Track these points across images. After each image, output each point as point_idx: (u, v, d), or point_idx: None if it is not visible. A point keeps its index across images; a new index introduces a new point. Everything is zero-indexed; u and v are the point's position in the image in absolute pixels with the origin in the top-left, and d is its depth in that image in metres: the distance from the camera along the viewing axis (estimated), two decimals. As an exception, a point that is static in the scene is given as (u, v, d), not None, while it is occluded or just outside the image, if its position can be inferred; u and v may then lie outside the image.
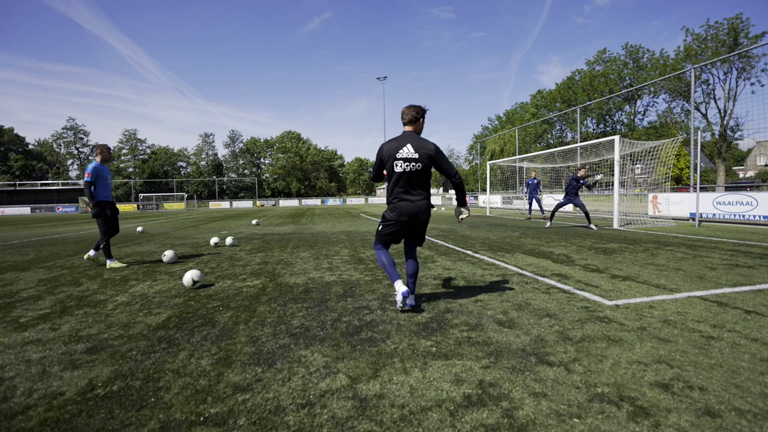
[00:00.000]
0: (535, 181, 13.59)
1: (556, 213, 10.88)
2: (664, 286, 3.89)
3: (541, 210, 14.34)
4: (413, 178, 3.11)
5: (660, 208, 12.61)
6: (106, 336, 2.82)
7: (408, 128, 3.21)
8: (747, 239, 7.27)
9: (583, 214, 10.09)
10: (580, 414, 1.71)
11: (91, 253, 5.86)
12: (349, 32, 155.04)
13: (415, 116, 3.17)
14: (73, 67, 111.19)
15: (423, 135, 3.30)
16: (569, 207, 13.69)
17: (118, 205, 6.06)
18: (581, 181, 9.94)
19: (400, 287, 3.12)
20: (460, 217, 3.35)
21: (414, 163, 3.07)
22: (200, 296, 3.93)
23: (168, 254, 6.16)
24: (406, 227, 3.24)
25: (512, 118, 62.36)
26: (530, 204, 14.11)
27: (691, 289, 3.76)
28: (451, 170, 3.15)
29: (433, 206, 3.26)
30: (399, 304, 3.19)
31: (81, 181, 58.60)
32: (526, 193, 13.71)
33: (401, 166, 3.08)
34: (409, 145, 3.09)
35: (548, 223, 10.82)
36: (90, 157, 73.07)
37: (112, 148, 6.03)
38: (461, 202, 3.34)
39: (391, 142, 3.17)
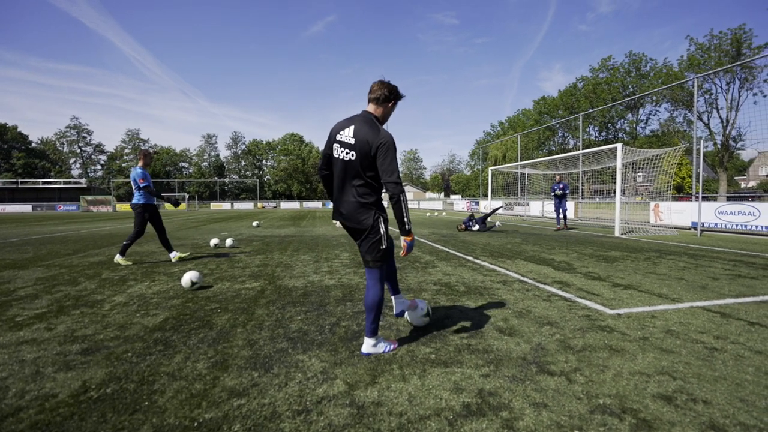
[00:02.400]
0: (561, 185, 11.60)
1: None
2: (667, 295, 3.86)
3: (559, 220, 12.04)
4: (346, 170, 2.39)
5: (661, 216, 12.56)
6: (102, 337, 2.80)
7: (370, 107, 2.46)
8: (749, 249, 7.22)
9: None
10: (581, 426, 1.67)
11: (118, 257, 6.03)
12: (353, 36, 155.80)
13: (386, 95, 2.42)
14: (78, 66, 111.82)
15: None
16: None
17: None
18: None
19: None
20: (401, 253, 2.44)
21: (349, 151, 2.35)
22: (198, 298, 3.90)
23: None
24: (351, 234, 2.57)
25: (514, 125, 62.45)
26: (557, 212, 11.95)
27: (694, 299, 3.72)
28: (387, 176, 2.27)
29: (369, 216, 2.39)
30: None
31: (83, 180, 58.78)
32: (556, 202, 11.87)
33: (337, 152, 2.42)
34: (352, 127, 2.36)
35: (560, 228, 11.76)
36: (92, 157, 73.33)
37: (153, 155, 6.31)
38: (400, 227, 2.35)
39: (341, 121, 2.49)
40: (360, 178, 2.36)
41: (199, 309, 3.50)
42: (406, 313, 2.95)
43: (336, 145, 2.41)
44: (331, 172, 2.55)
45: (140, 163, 6.02)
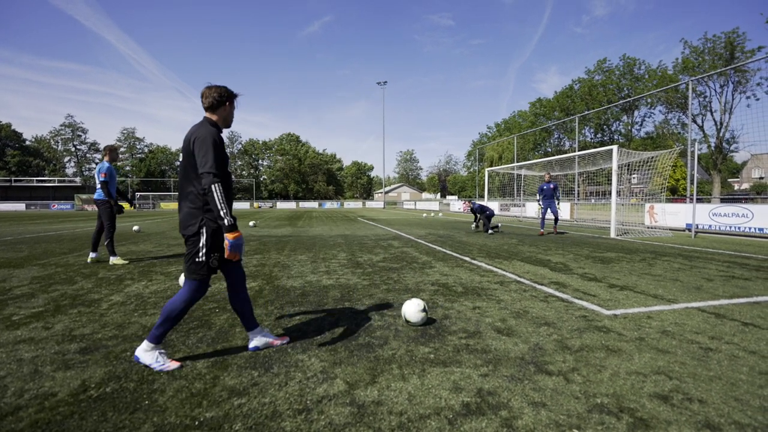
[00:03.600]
0: (552, 186, 10.42)
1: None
2: (662, 296, 3.90)
3: (543, 223, 10.89)
4: (180, 177, 2.32)
5: (656, 218, 12.67)
6: (100, 336, 2.79)
7: (207, 114, 2.40)
8: (743, 251, 7.30)
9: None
10: (579, 425, 1.70)
11: (113, 258, 5.94)
12: (349, 36, 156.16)
13: (217, 100, 2.37)
14: (73, 64, 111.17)
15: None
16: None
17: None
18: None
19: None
20: (225, 254, 2.21)
21: (182, 157, 2.31)
22: (196, 297, 3.89)
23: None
24: None
25: (510, 126, 62.70)
26: (544, 215, 10.74)
27: (689, 300, 3.76)
28: (200, 168, 2.14)
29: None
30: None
31: (78, 179, 58.36)
32: (539, 201, 10.65)
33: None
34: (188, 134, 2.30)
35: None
36: (87, 156, 72.79)
37: (118, 149, 6.30)
38: (219, 222, 2.15)
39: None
40: (189, 182, 2.25)
41: (197, 309, 3.49)
42: (404, 311, 2.98)
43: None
44: None
45: (106, 158, 5.89)
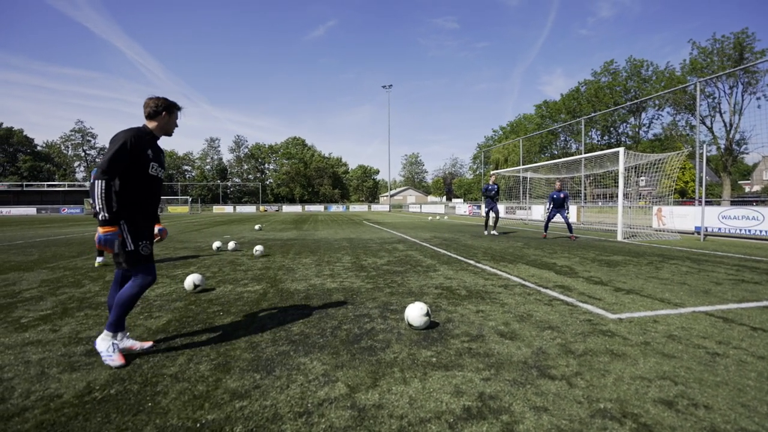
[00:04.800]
0: (562, 195, 10.24)
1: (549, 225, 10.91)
2: (669, 300, 3.85)
3: (547, 227, 10.92)
4: None
5: (664, 221, 12.53)
6: (106, 339, 2.81)
7: (146, 122, 2.59)
8: (753, 254, 7.19)
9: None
10: (582, 430, 1.68)
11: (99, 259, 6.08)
12: (353, 40, 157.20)
13: (154, 110, 2.55)
14: (82, 70, 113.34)
15: None
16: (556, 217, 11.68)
17: None
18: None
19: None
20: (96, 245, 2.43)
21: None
22: (201, 300, 3.92)
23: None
24: None
25: (516, 129, 62.49)
26: (549, 219, 10.69)
27: (696, 303, 3.71)
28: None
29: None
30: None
31: (87, 183, 59.12)
32: (549, 208, 10.50)
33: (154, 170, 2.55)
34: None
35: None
36: (97, 160, 73.76)
37: None
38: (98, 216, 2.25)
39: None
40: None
41: (201, 311, 3.52)
42: (407, 315, 2.98)
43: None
44: None
45: None
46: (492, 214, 11.67)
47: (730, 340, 2.74)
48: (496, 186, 11.64)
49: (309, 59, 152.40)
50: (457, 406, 1.87)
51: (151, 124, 2.57)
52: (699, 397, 1.95)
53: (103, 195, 2.23)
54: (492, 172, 14.56)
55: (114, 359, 2.33)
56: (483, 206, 11.85)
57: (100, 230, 2.24)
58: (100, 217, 2.23)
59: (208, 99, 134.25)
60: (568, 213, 10.32)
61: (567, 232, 10.69)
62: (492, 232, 11.93)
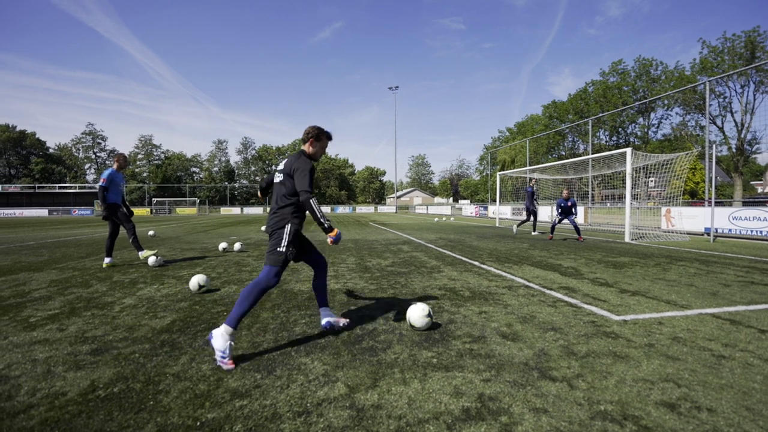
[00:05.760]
0: (569, 203, 10.26)
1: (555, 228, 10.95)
2: (675, 302, 3.80)
3: (554, 228, 10.84)
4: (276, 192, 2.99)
5: (673, 222, 12.36)
6: (111, 338, 2.86)
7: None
8: (764, 256, 7.06)
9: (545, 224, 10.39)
10: (581, 432, 1.67)
11: (141, 253, 6.27)
12: (360, 42, 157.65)
13: (304, 138, 3.02)
14: (92, 73, 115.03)
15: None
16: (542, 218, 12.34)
17: (133, 209, 6.56)
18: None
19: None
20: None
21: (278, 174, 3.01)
22: (205, 301, 3.96)
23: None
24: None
25: (523, 129, 62.12)
26: (556, 221, 10.68)
27: (703, 305, 3.66)
28: (298, 187, 2.75)
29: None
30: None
31: (97, 185, 60.08)
32: (558, 213, 10.53)
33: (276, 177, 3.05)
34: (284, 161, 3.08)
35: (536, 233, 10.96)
36: (107, 162, 74.91)
37: (128, 156, 6.63)
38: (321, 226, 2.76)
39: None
40: (285, 196, 2.86)
41: (205, 312, 3.56)
42: (409, 316, 2.99)
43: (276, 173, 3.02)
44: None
45: (114, 165, 6.23)
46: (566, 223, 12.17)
47: (736, 343, 2.70)
48: (570, 201, 10.73)
49: (316, 61, 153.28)
50: (456, 407, 1.87)
51: (306, 147, 2.98)
52: (702, 400, 1.93)
53: (320, 208, 2.72)
54: (531, 176, 15.36)
55: (226, 363, 2.36)
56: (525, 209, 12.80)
57: (333, 234, 2.76)
58: (325, 225, 2.71)
59: (215, 101, 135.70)
60: (575, 217, 10.29)
61: (575, 233, 10.65)
62: (534, 232, 12.32)
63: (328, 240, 2.80)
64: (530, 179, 13.68)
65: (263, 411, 1.85)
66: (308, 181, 2.71)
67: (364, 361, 2.42)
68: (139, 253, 6.28)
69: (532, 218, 12.50)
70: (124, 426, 1.73)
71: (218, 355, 2.35)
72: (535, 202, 12.49)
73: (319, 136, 2.98)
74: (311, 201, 2.67)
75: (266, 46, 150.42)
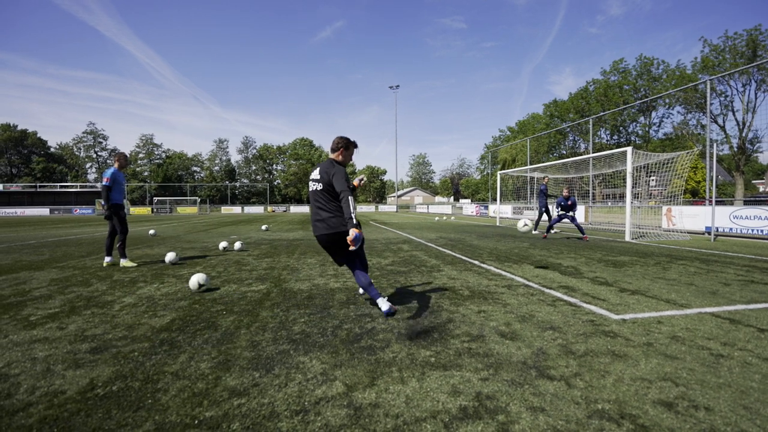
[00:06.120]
0: (570, 202, 10.24)
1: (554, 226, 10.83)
2: (675, 301, 3.80)
3: (552, 227, 10.94)
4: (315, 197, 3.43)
5: (674, 221, 12.34)
6: (111, 336, 2.87)
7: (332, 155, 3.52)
8: (764, 255, 7.05)
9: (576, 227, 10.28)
10: (578, 430, 1.67)
11: (123, 261, 6.12)
12: (361, 41, 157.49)
13: (333, 147, 3.47)
14: (94, 73, 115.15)
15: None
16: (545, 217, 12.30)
17: (132, 209, 6.54)
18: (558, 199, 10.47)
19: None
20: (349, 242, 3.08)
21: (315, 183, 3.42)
22: (205, 300, 3.97)
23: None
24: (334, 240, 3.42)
25: (525, 128, 62.03)
26: (556, 220, 10.58)
27: (703, 304, 3.65)
28: (338, 188, 3.22)
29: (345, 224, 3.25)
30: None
31: (99, 184, 60.13)
32: (558, 210, 10.52)
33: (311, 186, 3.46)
34: (318, 169, 3.45)
35: (539, 232, 10.88)
36: (108, 161, 75.01)
37: (128, 156, 6.60)
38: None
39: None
40: (328, 200, 3.35)
41: (205, 310, 3.56)
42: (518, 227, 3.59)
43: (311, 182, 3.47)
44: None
45: (115, 164, 6.23)
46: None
47: (735, 342, 2.69)
48: (570, 200, 10.62)
49: (317, 60, 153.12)
50: (454, 406, 1.87)
51: (336, 155, 3.45)
52: (700, 399, 1.93)
53: (354, 205, 3.11)
54: (544, 175, 15.34)
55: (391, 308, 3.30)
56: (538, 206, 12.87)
57: (357, 231, 2.99)
58: (354, 221, 3.03)
59: (216, 101, 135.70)
60: (573, 214, 10.20)
61: (578, 233, 10.66)
62: (553, 231, 12.21)
63: (351, 234, 2.97)
64: (543, 177, 13.50)
65: (261, 409, 1.85)
66: (345, 181, 3.18)
67: (363, 360, 2.42)
68: (122, 259, 6.07)
69: (545, 216, 12.56)
70: (122, 424, 1.74)
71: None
72: (546, 200, 12.46)
73: (348, 146, 3.45)
74: (349, 197, 3.10)
75: (267, 46, 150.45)
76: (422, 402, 1.91)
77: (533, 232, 12.08)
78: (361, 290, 4.11)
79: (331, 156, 3.47)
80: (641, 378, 2.15)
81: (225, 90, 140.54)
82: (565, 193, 10.38)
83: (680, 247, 8.35)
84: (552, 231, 11.97)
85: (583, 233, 10.09)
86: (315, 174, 3.38)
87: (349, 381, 2.14)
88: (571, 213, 10.18)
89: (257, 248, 8.57)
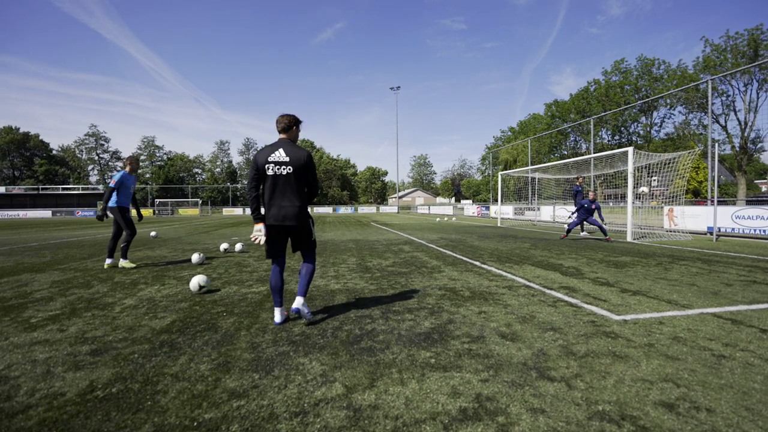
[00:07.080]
0: (594, 206, 10.05)
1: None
2: (676, 301, 3.78)
3: (584, 227, 11.35)
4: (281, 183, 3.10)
5: (675, 221, 12.30)
6: (111, 338, 2.87)
7: (282, 136, 3.25)
8: (767, 255, 7.01)
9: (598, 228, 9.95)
10: (578, 432, 1.66)
11: (123, 261, 6.14)
12: (362, 42, 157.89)
13: (288, 124, 3.23)
14: (96, 75, 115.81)
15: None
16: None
17: (133, 211, 6.55)
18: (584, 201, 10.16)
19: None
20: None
21: (284, 167, 3.06)
22: (205, 301, 3.97)
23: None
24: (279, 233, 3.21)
25: (526, 129, 61.99)
26: (585, 223, 10.56)
27: (705, 305, 3.64)
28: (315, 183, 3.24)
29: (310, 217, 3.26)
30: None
31: (101, 187, 60.33)
32: (576, 214, 10.38)
33: (272, 170, 3.06)
34: (281, 150, 3.10)
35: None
36: (110, 163, 75.31)
37: (140, 160, 6.65)
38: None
39: (264, 149, 3.18)
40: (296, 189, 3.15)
41: (205, 312, 3.56)
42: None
43: (270, 165, 3.07)
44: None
45: (127, 168, 6.18)
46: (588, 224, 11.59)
47: (737, 342, 2.68)
48: (595, 203, 10.41)
49: (318, 61, 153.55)
50: (453, 407, 1.87)
51: (289, 136, 3.27)
52: (701, 400, 1.92)
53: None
54: (578, 174, 14.93)
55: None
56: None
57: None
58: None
59: (218, 102, 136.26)
60: (597, 216, 10.09)
61: (600, 234, 10.61)
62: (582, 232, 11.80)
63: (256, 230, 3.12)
64: (577, 177, 12.74)
65: (260, 411, 1.85)
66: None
67: (362, 362, 2.42)
68: (122, 260, 6.09)
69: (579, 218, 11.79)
70: (122, 426, 1.73)
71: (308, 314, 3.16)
72: (582, 199, 11.47)
73: (299, 123, 3.33)
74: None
75: (268, 48, 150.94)
76: (422, 403, 1.91)
77: (581, 233, 11.62)
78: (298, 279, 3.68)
79: (285, 136, 3.22)
80: (642, 379, 2.14)
81: (226, 92, 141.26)
82: (591, 195, 10.22)
83: (682, 248, 8.32)
84: (581, 233, 11.54)
85: (605, 234, 9.95)
86: (280, 155, 3.06)
87: (348, 382, 2.14)
88: (595, 218, 10.02)
89: (258, 250, 8.57)
